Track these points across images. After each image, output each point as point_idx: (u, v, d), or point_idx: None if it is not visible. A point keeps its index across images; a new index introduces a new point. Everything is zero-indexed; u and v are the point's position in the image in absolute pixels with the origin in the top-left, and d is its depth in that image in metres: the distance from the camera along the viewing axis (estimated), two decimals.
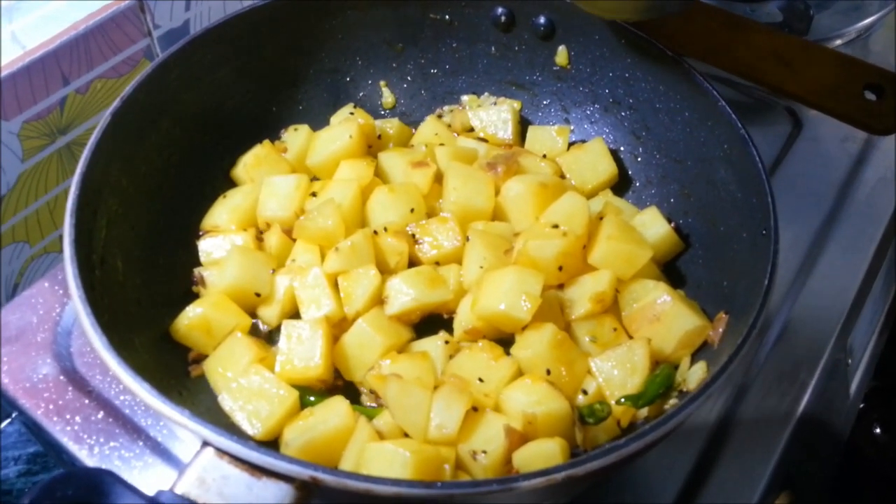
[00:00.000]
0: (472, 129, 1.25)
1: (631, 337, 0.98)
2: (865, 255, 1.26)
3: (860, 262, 1.25)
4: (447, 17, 1.24)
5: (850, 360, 1.30)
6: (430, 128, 1.23)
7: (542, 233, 0.98)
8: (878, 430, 1.70)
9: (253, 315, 1.03)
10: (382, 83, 1.29)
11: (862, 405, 1.65)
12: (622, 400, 0.90)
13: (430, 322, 1.03)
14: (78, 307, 0.81)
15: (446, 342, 0.98)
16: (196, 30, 1.28)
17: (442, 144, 1.19)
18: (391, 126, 1.23)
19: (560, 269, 0.97)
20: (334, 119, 1.23)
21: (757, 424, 1.06)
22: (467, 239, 1.04)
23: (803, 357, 1.13)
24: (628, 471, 0.99)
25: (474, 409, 0.89)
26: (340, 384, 0.98)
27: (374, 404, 0.95)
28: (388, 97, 1.29)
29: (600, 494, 0.97)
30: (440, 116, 1.27)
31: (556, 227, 0.98)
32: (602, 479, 0.93)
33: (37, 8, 1.19)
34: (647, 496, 0.99)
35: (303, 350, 0.94)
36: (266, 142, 1.18)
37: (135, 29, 1.24)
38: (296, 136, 1.20)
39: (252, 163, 1.15)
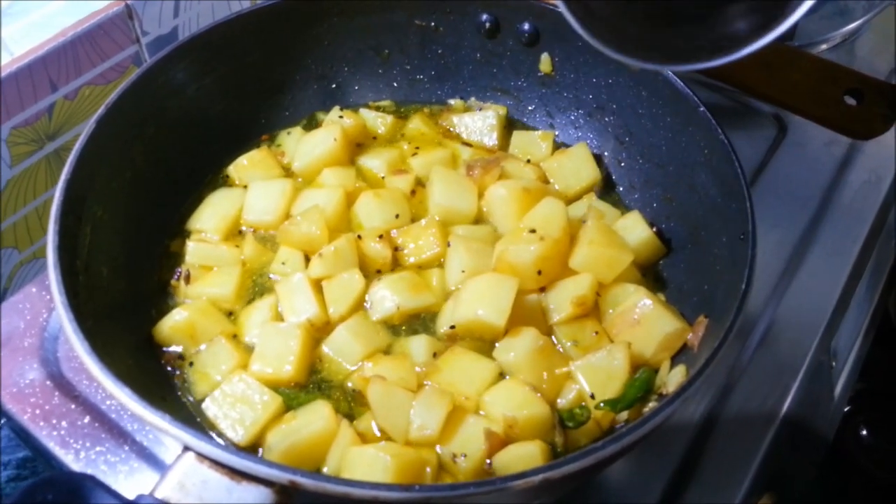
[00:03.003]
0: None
1: (612, 341, 0.98)
2: (849, 258, 1.27)
3: (844, 264, 1.26)
4: (433, 23, 1.25)
5: (834, 363, 1.31)
6: (417, 125, 1.25)
7: (520, 238, 0.99)
8: (864, 432, 1.71)
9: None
10: (372, 103, 1.30)
11: (848, 407, 1.66)
12: (601, 405, 0.91)
13: (415, 320, 1.03)
14: (62, 313, 0.81)
15: (432, 343, 0.99)
16: (184, 36, 1.29)
17: (417, 151, 1.20)
18: (384, 123, 1.24)
19: (539, 273, 0.98)
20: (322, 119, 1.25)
21: (740, 426, 1.07)
22: (448, 244, 1.05)
23: (787, 359, 1.14)
24: (613, 471, 1.00)
25: (456, 411, 0.90)
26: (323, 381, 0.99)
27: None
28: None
29: (584, 495, 0.98)
30: (430, 114, 1.28)
31: (533, 231, 0.99)
32: (582, 480, 0.94)
33: (25, 15, 1.20)
34: (631, 497, 0.99)
35: (277, 353, 0.95)
36: (264, 147, 1.20)
37: (123, 35, 1.25)
38: (289, 140, 1.21)
39: (246, 164, 1.16)
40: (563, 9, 0.81)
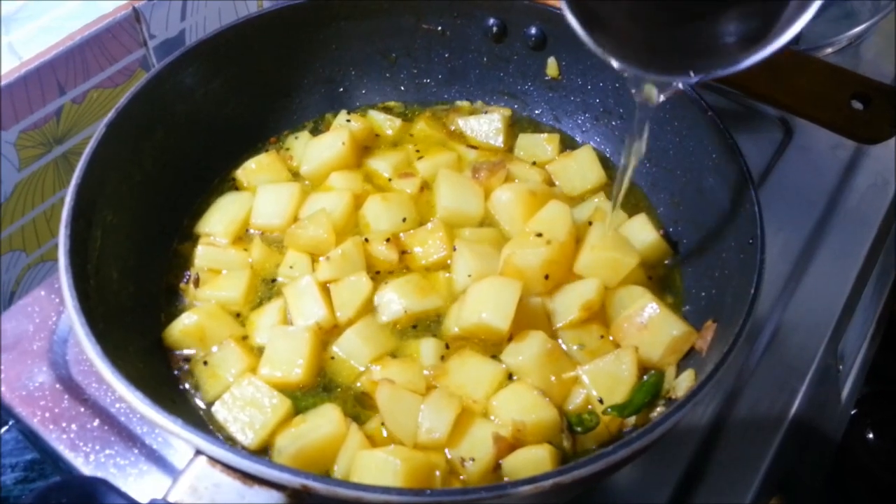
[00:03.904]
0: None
1: (618, 344, 0.98)
2: (856, 262, 1.27)
3: (850, 268, 1.26)
4: (440, 27, 1.25)
5: (840, 366, 1.31)
6: (423, 128, 1.25)
7: (526, 242, 0.99)
8: (870, 435, 1.71)
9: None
10: (380, 104, 1.30)
11: (854, 410, 1.66)
12: (608, 410, 0.91)
13: (423, 322, 1.03)
14: (73, 317, 0.81)
15: (439, 346, 0.99)
16: (192, 40, 1.30)
17: (423, 154, 1.20)
18: (392, 126, 1.25)
19: (546, 277, 0.98)
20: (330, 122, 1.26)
21: (748, 429, 1.07)
22: (454, 248, 1.05)
23: (794, 363, 1.14)
24: (620, 474, 1.00)
25: (464, 414, 0.90)
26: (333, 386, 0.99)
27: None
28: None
29: (592, 498, 0.98)
30: (435, 116, 1.29)
31: (539, 235, 0.99)
32: (591, 484, 0.94)
33: (34, 19, 1.21)
34: (639, 500, 0.99)
35: (286, 356, 0.95)
36: (272, 150, 1.20)
37: (131, 39, 1.25)
38: (297, 143, 1.22)
39: (254, 168, 1.17)
40: (569, 17, 0.80)
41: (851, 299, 1.23)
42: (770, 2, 0.76)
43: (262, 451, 0.90)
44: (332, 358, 0.98)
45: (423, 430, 0.88)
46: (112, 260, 0.96)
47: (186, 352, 0.99)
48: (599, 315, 1.00)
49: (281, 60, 1.22)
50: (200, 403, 0.95)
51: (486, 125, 1.24)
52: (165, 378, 0.96)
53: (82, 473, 0.95)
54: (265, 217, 1.11)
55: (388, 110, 1.29)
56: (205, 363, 0.97)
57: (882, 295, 1.42)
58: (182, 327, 0.98)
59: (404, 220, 1.10)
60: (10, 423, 1.09)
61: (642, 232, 1.08)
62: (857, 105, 1.08)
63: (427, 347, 0.98)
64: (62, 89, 1.19)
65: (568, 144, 1.25)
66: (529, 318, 0.97)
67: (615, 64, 0.81)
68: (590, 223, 1.07)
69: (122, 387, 0.76)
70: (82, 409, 1.01)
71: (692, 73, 0.79)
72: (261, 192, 1.13)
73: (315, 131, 1.25)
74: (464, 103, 1.30)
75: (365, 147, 1.23)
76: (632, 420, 0.92)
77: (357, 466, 0.85)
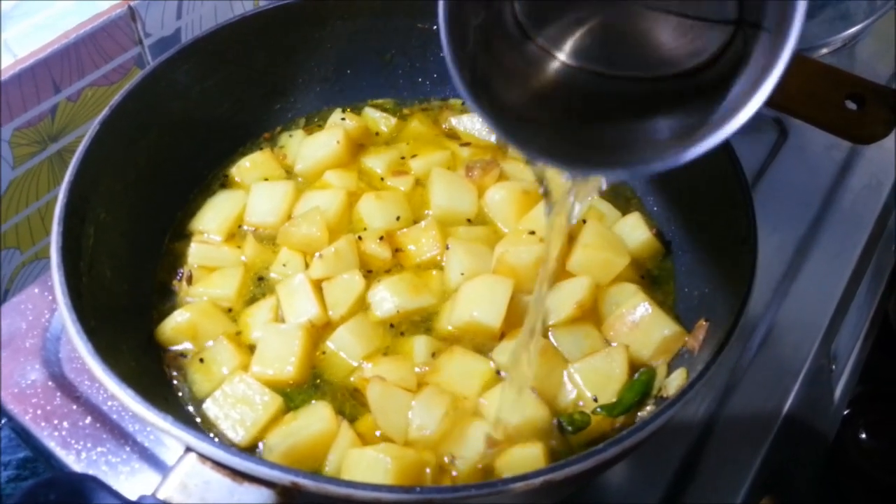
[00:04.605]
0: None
1: (609, 343, 0.98)
2: (849, 262, 1.27)
3: (844, 268, 1.26)
4: (435, 27, 1.25)
5: (834, 366, 1.31)
6: (417, 126, 1.25)
7: (519, 240, 1.00)
8: (863, 435, 1.71)
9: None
10: (371, 101, 1.30)
11: (848, 410, 1.66)
12: (598, 409, 0.91)
13: (415, 320, 1.03)
14: (64, 314, 0.82)
15: (431, 344, 0.99)
16: (187, 38, 1.30)
17: (416, 152, 1.20)
18: (387, 124, 1.25)
19: None
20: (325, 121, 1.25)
21: (741, 427, 1.07)
22: (448, 247, 1.05)
23: (787, 362, 1.14)
24: (613, 472, 1.00)
25: (455, 412, 0.90)
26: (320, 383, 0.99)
27: None
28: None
29: (585, 495, 0.98)
30: (426, 110, 1.29)
31: (532, 233, 0.99)
32: (582, 482, 0.94)
33: (28, 17, 1.20)
34: (631, 498, 1.00)
35: (279, 354, 0.95)
36: (266, 149, 1.20)
37: (126, 37, 1.25)
38: (292, 142, 1.22)
39: (248, 166, 1.17)
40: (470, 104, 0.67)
41: (845, 299, 1.24)
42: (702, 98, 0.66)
43: (253, 449, 0.90)
44: (324, 353, 0.98)
45: (414, 426, 0.88)
46: (105, 257, 0.96)
47: (179, 349, 0.99)
48: (591, 313, 1.01)
49: (276, 59, 1.22)
50: (192, 401, 0.95)
51: (479, 123, 1.24)
52: (157, 375, 0.96)
53: (73, 471, 0.95)
54: (259, 215, 1.11)
55: (382, 108, 1.29)
56: (201, 360, 0.98)
57: (876, 295, 1.42)
58: (174, 324, 0.98)
59: (398, 218, 1.10)
60: (3, 420, 1.09)
61: (635, 230, 1.09)
62: (852, 105, 1.08)
63: (419, 345, 0.98)
64: (57, 87, 1.18)
65: None
66: (522, 316, 0.97)
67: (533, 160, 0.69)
68: (583, 221, 1.07)
69: (114, 385, 0.76)
70: (74, 407, 1.01)
71: (622, 171, 0.69)
72: (255, 190, 1.13)
73: (309, 129, 1.25)
74: (456, 101, 1.30)
75: (359, 145, 1.23)
76: (621, 418, 0.92)
77: (348, 464, 0.85)
